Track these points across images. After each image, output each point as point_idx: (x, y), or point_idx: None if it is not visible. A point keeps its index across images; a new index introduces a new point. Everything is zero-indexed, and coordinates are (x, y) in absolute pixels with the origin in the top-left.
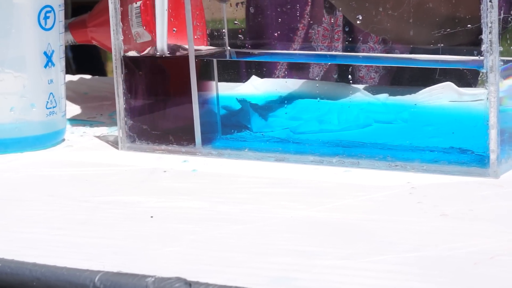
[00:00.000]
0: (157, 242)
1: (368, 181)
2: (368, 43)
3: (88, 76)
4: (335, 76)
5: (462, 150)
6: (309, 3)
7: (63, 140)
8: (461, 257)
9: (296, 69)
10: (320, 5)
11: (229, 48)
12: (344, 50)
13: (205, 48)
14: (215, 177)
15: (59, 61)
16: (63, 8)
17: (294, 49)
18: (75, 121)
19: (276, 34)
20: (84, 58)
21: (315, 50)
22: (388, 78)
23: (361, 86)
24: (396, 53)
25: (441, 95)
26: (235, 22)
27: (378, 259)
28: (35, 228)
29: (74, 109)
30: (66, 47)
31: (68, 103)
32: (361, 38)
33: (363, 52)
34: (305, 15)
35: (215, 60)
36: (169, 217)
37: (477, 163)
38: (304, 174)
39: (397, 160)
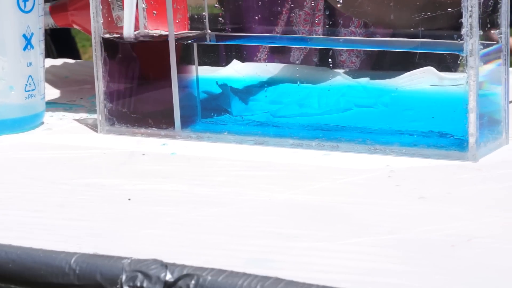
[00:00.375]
0: (134, 224)
1: (347, 164)
2: (350, 28)
3: (71, 61)
4: (315, 60)
5: (441, 134)
6: None
7: (42, 123)
8: (439, 240)
9: (277, 53)
10: None
11: (209, 31)
12: (325, 34)
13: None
14: (194, 160)
15: (38, 44)
16: None
17: (275, 33)
18: (55, 104)
19: (256, 17)
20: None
21: (296, 34)
22: (369, 62)
23: (341, 71)
24: (377, 38)
25: (422, 80)
26: (216, 5)
27: (356, 241)
28: (12, 210)
29: (54, 93)
30: (46, 31)
31: (49, 86)
32: (342, 22)
33: (344, 36)
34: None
35: (195, 44)
36: (147, 199)
37: (456, 147)
38: (283, 158)
39: (376, 144)
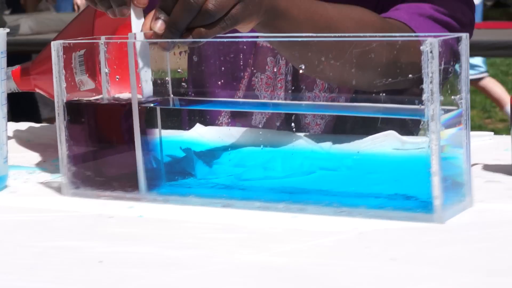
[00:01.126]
0: (106, 287)
1: (316, 226)
2: (314, 91)
3: (35, 124)
4: (278, 124)
5: (406, 197)
6: (252, 52)
7: (6, 186)
8: None
9: (239, 116)
10: (264, 54)
11: (172, 96)
12: (288, 98)
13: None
14: (162, 222)
15: (1, 108)
16: (5, 55)
17: (238, 97)
18: (18, 167)
19: (219, 82)
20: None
21: (258, 98)
22: (333, 125)
23: (304, 134)
24: (341, 101)
25: (384, 143)
26: (179, 70)
27: None
28: None
29: (17, 156)
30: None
31: (11, 149)
32: (305, 86)
33: (308, 100)
34: (249, 63)
35: (158, 108)
36: (117, 262)
37: (422, 209)
38: (251, 220)
39: (343, 206)
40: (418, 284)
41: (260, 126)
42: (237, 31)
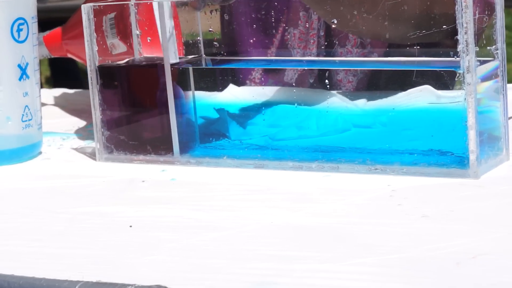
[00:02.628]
0: (136, 251)
1: (348, 185)
2: (346, 47)
3: (68, 90)
4: (311, 81)
5: (441, 152)
6: (285, 7)
7: (40, 153)
8: (443, 258)
9: (271, 72)
10: (296, 8)
11: (204, 55)
12: (321, 54)
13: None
14: (194, 185)
15: (34, 74)
16: (36, 20)
17: (271, 53)
18: (52, 133)
19: (251, 40)
20: (61, 73)
21: (291, 54)
22: (366, 81)
23: (338, 92)
24: (374, 57)
25: (419, 98)
26: (210, 29)
27: (359, 261)
28: (13, 240)
29: (51, 122)
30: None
31: (45, 116)
32: (337, 42)
33: (340, 56)
34: (281, 19)
35: (191, 68)
36: (148, 226)
37: (457, 164)
38: (283, 180)
39: (376, 164)
40: (450, 241)
41: (292, 82)
42: None
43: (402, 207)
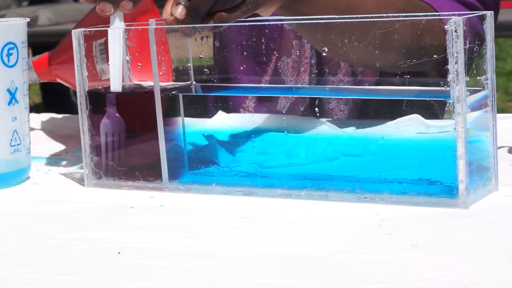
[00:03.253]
0: (124, 277)
1: (337, 213)
2: (337, 75)
3: (59, 116)
4: (301, 109)
5: (430, 182)
6: (278, 37)
7: (28, 178)
8: None
9: (264, 101)
10: (289, 37)
11: (194, 82)
12: (313, 82)
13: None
14: (183, 212)
15: (23, 98)
16: (26, 45)
17: (264, 82)
18: (40, 158)
19: (242, 67)
20: (52, 96)
21: (284, 82)
22: (357, 110)
23: (327, 120)
24: (364, 86)
25: (408, 127)
26: (200, 56)
27: None
28: (0, 266)
29: (39, 147)
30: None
31: (34, 141)
32: (328, 70)
33: (332, 85)
34: (274, 47)
35: (180, 95)
36: (136, 252)
37: (446, 194)
38: (272, 208)
39: (366, 192)
40: (439, 270)
41: (283, 111)
42: (259, 16)
43: (391, 236)
